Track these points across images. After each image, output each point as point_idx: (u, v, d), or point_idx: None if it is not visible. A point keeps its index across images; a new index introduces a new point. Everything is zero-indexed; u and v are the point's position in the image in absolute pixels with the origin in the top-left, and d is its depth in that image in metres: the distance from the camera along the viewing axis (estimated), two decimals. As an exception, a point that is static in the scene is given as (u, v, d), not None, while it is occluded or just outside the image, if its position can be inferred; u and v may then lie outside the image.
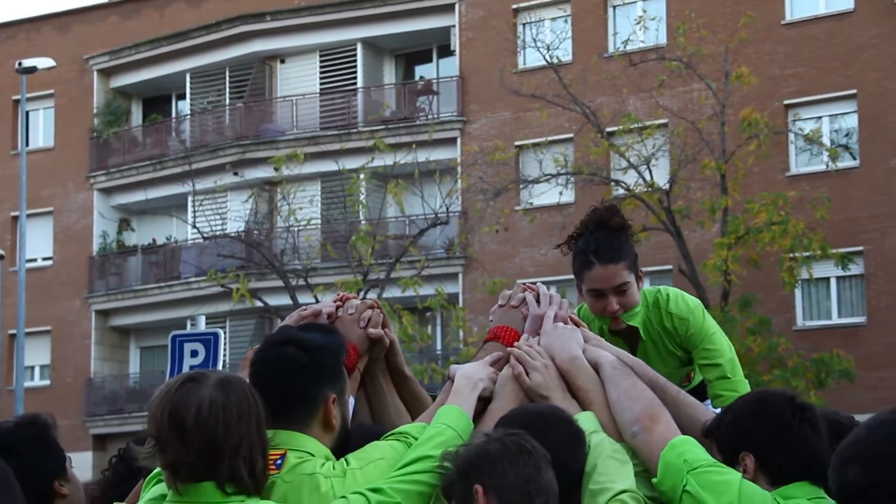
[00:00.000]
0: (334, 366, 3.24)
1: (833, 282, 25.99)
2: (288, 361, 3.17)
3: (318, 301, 25.40)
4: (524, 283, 3.74)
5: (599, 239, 4.09)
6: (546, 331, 3.56)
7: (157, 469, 3.09)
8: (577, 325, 3.65)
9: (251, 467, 2.88)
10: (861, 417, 3.39)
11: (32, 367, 34.37)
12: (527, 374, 3.41)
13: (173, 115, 35.61)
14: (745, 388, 4.18)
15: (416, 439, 3.22)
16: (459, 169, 28.34)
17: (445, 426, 3.22)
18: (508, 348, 3.53)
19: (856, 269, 25.12)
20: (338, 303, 3.74)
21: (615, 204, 4.32)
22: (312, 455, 3.11)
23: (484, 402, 3.40)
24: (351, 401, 3.60)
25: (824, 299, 26.29)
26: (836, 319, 26.10)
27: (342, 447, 3.21)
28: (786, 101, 26.70)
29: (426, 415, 3.40)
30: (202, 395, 2.86)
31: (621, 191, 24.34)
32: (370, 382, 3.70)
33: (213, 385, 2.88)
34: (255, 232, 29.93)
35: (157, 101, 35.98)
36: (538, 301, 3.65)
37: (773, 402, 3.19)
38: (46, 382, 34.72)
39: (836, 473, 2.60)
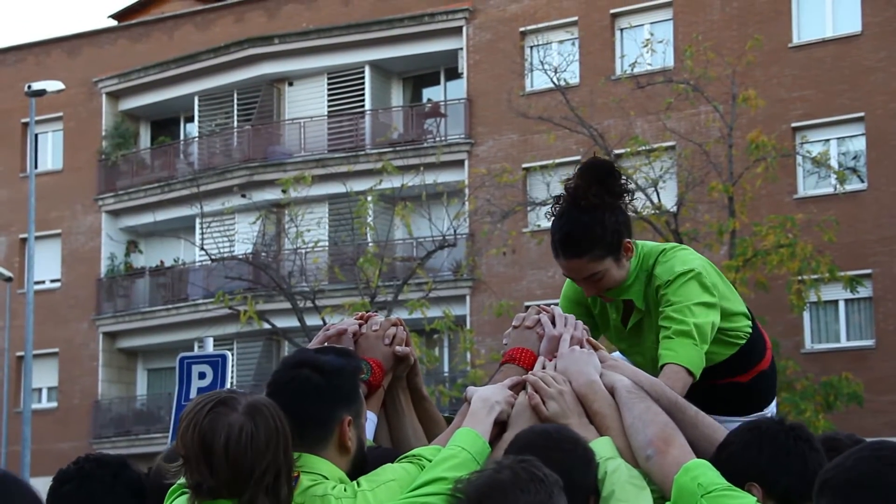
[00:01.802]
0: (350, 388, 3.24)
1: (841, 305, 25.94)
2: (303, 384, 3.17)
3: (325, 323, 25.41)
4: (539, 307, 3.73)
5: (566, 225, 3.82)
6: (562, 354, 3.55)
7: (179, 482, 3.10)
8: (594, 347, 3.64)
9: (275, 495, 2.90)
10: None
11: (40, 390, 34.38)
12: (543, 402, 3.40)
13: (181, 137, 35.71)
14: (690, 353, 3.66)
15: (429, 462, 3.21)
16: (467, 191, 28.38)
17: (460, 448, 3.22)
18: (525, 375, 3.51)
19: (864, 291, 25.07)
20: (360, 321, 3.73)
21: (607, 160, 3.94)
22: (326, 478, 3.11)
23: (500, 425, 3.39)
24: (374, 418, 3.60)
25: (833, 322, 26.24)
26: (844, 342, 26.03)
27: (359, 469, 3.21)
28: (793, 124, 26.72)
29: (442, 438, 3.39)
30: (231, 422, 2.87)
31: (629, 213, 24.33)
32: (390, 401, 3.70)
33: (242, 411, 2.89)
34: (263, 254, 29.96)
35: (165, 123, 36.10)
36: (553, 323, 3.64)
37: (766, 429, 3.19)
38: (54, 405, 34.71)
39: (815, 499, 2.60)
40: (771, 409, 4.13)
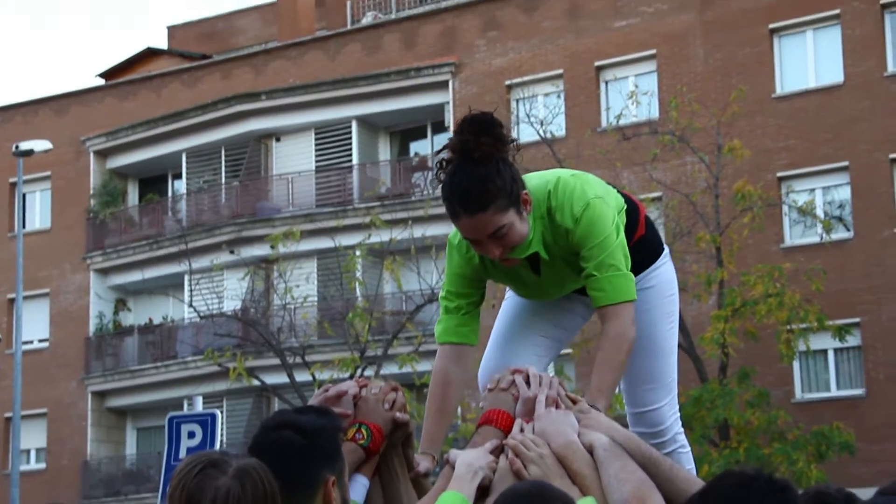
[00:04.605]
0: (332, 447, 3.22)
1: (831, 354, 25.94)
2: (285, 445, 3.15)
3: (315, 379, 25.41)
4: (512, 368, 3.71)
5: (464, 181, 3.61)
6: (539, 415, 3.54)
7: None
8: (573, 401, 3.63)
9: None
10: (862, 491, 3.36)
11: (28, 451, 34.13)
12: (525, 466, 3.39)
13: (170, 194, 35.76)
14: (618, 283, 3.76)
15: (415, 524, 3.21)
16: (455, 244, 28.36)
17: (446, 513, 3.21)
18: (504, 440, 3.49)
19: (853, 340, 25.10)
20: (360, 383, 3.71)
21: (488, 113, 3.72)
22: (311, 540, 3.09)
23: (482, 489, 3.38)
24: (366, 482, 3.57)
25: (822, 371, 26.24)
26: (834, 392, 26.01)
27: (342, 531, 3.19)
28: (779, 174, 26.87)
29: (427, 500, 3.38)
30: (219, 485, 2.85)
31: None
32: (385, 467, 3.67)
33: (231, 474, 2.88)
34: (252, 310, 29.91)
35: (153, 180, 36.16)
36: (528, 383, 3.61)
37: (756, 488, 3.10)
38: (42, 466, 34.46)
39: None
40: (665, 254, 4.20)
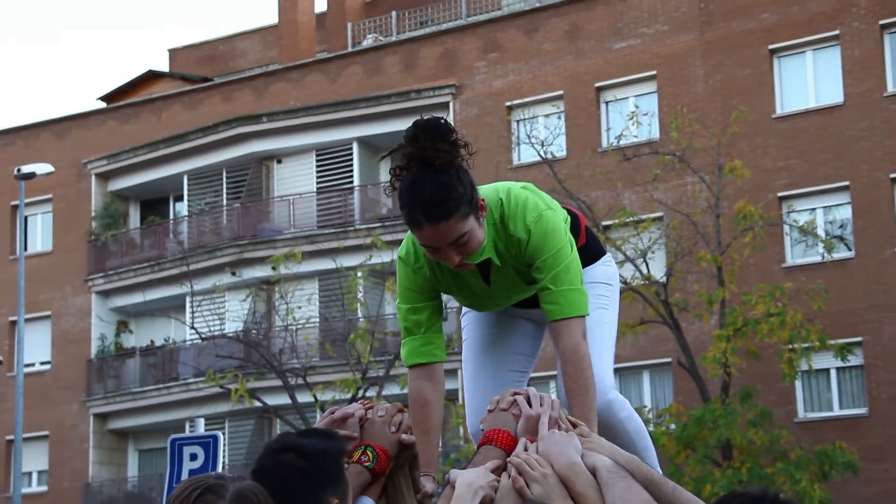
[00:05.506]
0: (335, 470, 3.23)
1: (833, 373, 25.91)
2: (287, 469, 3.15)
3: (316, 400, 25.39)
4: (512, 390, 3.71)
5: (425, 189, 3.56)
6: (542, 436, 3.54)
7: None
8: (573, 424, 3.63)
9: None
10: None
11: (30, 473, 34.09)
12: (527, 485, 3.39)
13: (171, 216, 35.81)
14: (572, 298, 3.80)
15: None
16: (456, 265, 28.37)
17: (447, 533, 3.21)
18: (507, 458, 3.50)
19: (855, 360, 25.07)
20: (366, 406, 3.71)
21: (440, 118, 3.64)
22: (313, 563, 3.09)
23: None
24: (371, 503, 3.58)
25: (825, 391, 26.20)
26: (837, 411, 25.97)
27: (346, 554, 3.20)
28: (779, 194, 26.89)
29: (428, 521, 3.39)
30: None
31: (618, 285, 24.39)
32: (392, 488, 3.67)
33: (229, 499, 2.87)
34: (254, 332, 29.91)
35: (154, 203, 36.21)
36: (529, 403, 3.62)
37: None
38: (44, 488, 34.39)
39: None
40: (607, 257, 4.25)
